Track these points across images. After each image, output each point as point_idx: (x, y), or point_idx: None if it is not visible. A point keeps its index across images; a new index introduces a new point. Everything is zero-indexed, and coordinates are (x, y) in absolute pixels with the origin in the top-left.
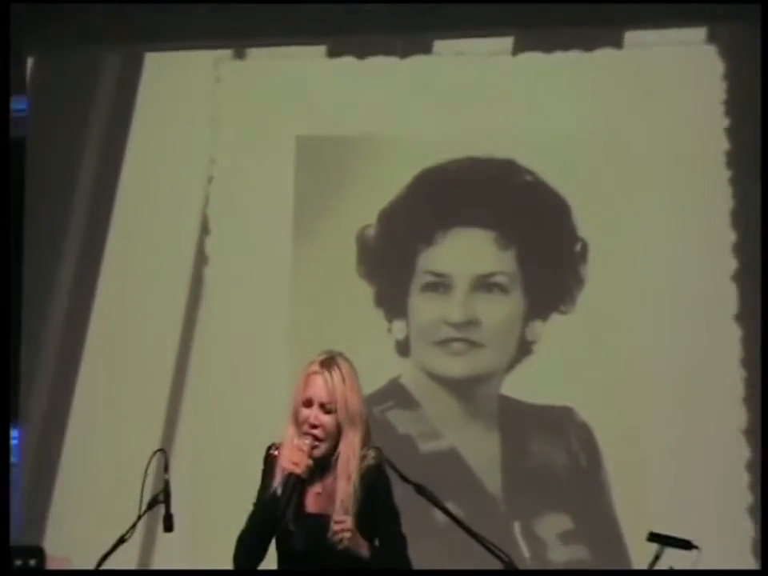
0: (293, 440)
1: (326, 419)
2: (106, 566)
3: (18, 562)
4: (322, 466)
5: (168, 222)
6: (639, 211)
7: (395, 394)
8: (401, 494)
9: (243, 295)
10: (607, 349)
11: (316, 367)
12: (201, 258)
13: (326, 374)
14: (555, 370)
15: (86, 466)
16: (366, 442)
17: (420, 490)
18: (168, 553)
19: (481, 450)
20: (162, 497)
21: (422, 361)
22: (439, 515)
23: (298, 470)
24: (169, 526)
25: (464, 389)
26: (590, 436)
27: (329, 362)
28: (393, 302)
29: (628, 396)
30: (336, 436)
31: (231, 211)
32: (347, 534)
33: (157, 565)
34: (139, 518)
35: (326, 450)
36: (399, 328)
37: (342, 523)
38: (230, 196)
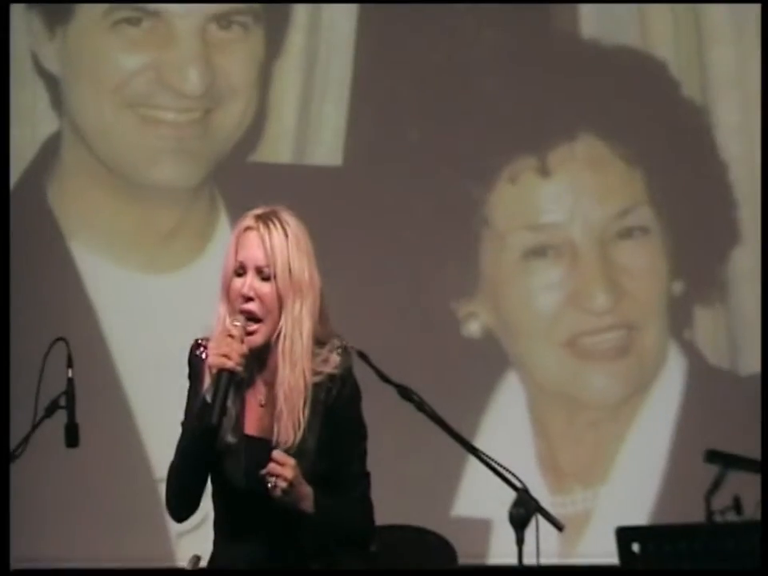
0: (224, 325)
1: (265, 289)
2: None
3: None
4: (265, 363)
5: None
6: None
7: None
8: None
9: None
10: None
11: (250, 221)
12: None
13: (263, 229)
14: None
15: None
16: (324, 331)
17: (405, 392)
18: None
19: None
20: (64, 400)
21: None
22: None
23: (230, 363)
24: (72, 440)
25: None
26: None
27: (267, 214)
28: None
29: None
30: (280, 313)
31: None
32: (282, 485)
33: None
34: (34, 428)
35: (268, 334)
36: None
37: (281, 466)
38: None
